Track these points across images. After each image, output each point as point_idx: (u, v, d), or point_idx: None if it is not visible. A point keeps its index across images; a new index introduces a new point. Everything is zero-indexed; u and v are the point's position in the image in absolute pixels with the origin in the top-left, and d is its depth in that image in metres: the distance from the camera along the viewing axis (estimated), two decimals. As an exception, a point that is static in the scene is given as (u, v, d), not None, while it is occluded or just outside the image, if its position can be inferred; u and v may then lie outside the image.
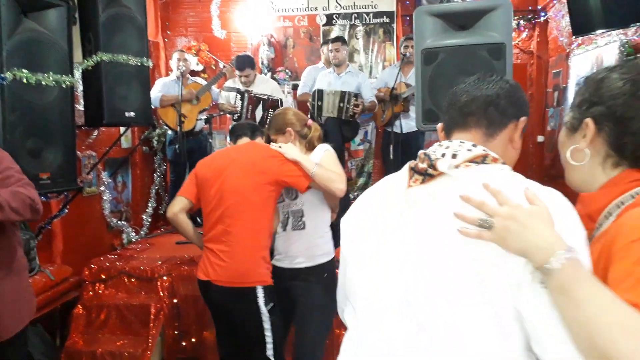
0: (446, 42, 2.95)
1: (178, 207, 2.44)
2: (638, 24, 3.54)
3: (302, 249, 2.42)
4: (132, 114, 3.73)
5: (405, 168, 1.08)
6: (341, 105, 4.51)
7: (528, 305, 0.85)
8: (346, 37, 5.56)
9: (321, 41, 5.64)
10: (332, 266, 2.48)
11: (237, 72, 4.72)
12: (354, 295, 1.09)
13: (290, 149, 2.33)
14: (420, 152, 1.07)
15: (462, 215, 0.92)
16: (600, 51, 4.30)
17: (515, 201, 0.90)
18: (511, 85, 1.11)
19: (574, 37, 4.26)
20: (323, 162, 2.30)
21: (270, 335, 2.27)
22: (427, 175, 1.01)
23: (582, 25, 3.80)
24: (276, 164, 2.27)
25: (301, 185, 2.25)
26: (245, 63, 4.67)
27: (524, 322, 0.86)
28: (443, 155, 1.02)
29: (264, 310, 2.25)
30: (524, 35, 5.90)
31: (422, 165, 1.02)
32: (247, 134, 2.61)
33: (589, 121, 0.99)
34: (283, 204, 2.47)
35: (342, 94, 4.52)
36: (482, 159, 1.01)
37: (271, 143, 2.42)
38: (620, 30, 4.00)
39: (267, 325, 2.26)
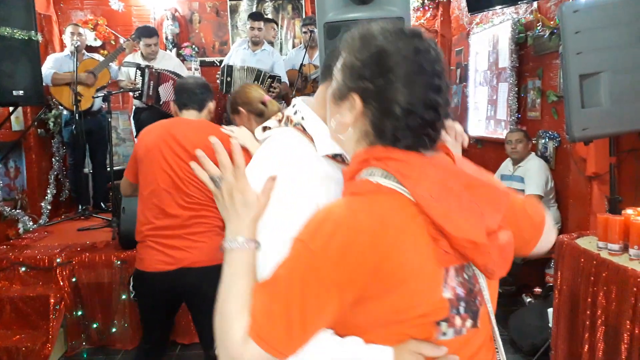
0: (347, 16, 2.97)
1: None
2: (526, 1, 3.77)
3: None
4: (21, 92, 3.45)
5: None
6: (255, 83, 4.41)
7: None
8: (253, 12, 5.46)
9: (229, 16, 5.49)
10: None
11: (143, 41, 4.47)
12: None
13: (241, 133, 2.13)
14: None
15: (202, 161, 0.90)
16: (495, 29, 4.53)
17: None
18: None
19: (469, 14, 4.45)
20: None
21: None
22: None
23: (477, 2, 3.99)
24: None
25: None
26: (153, 31, 4.46)
27: None
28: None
29: None
30: (428, 14, 6.09)
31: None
32: (196, 107, 2.27)
33: (355, 96, 0.85)
34: None
35: (259, 72, 4.39)
36: (285, 120, 1.05)
37: (222, 126, 2.23)
38: (513, 9, 4.24)
39: None
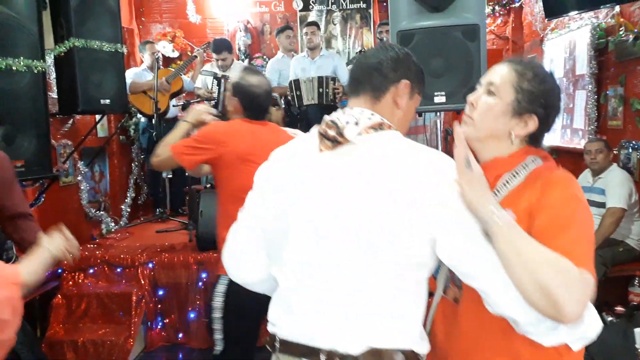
0: (421, 24, 2.97)
1: None
2: (608, 5, 3.61)
3: None
4: (108, 101, 3.69)
5: (314, 133, 1.17)
6: (320, 90, 4.50)
7: (456, 251, 1.02)
8: (323, 23, 5.56)
9: (299, 27, 5.62)
10: None
11: (214, 56, 4.67)
12: (276, 248, 1.17)
13: (295, 132, 2.30)
14: (327, 118, 1.15)
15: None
16: (572, 35, 4.37)
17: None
18: (397, 52, 1.21)
19: (546, 19, 4.32)
20: None
21: None
22: (336, 142, 1.11)
23: (554, 8, 3.86)
24: None
25: None
26: (223, 46, 4.63)
27: (451, 265, 1.04)
28: (347, 122, 1.11)
29: None
30: (499, 21, 5.97)
31: (332, 133, 1.11)
32: (266, 113, 2.32)
33: (535, 118, 1.18)
34: None
35: (320, 79, 4.51)
36: (379, 126, 1.12)
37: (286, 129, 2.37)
38: (592, 14, 4.07)
39: None
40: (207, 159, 2.13)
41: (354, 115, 1.13)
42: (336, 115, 1.15)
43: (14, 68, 2.82)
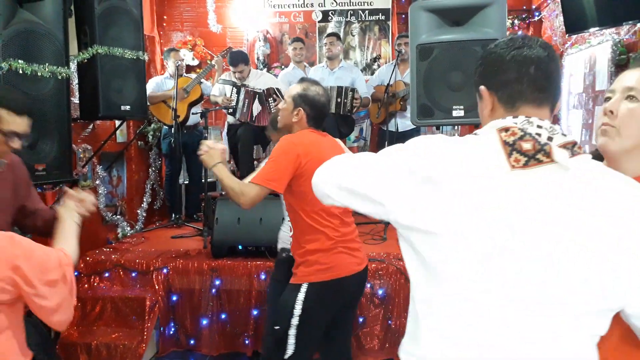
0: (441, 38, 2.99)
1: None
2: (630, 22, 3.58)
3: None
4: (128, 107, 3.74)
5: (493, 137, 0.98)
6: (339, 100, 4.51)
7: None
8: (342, 34, 5.59)
9: (317, 38, 5.66)
10: None
11: (230, 68, 4.72)
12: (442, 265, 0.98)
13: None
14: (511, 123, 0.98)
15: None
16: (593, 50, 4.33)
17: None
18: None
19: (567, 35, 4.29)
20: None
21: None
22: (533, 159, 0.93)
23: (575, 24, 3.84)
24: None
25: None
26: (239, 59, 4.66)
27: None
28: (539, 135, 0.95)
29: None
30: (518, 34, 5.94)
31: (527, 147, 0.94)
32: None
33: None
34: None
35: (339, 88, 4.52)
36: (572, 146, 0.94)
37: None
38: (613, 30, 4.04)
39: None
40: (293, 173, 2.11)
41: (544, 128, 0.96)
42: (521, 123, 0.97)
43: (39, 74, 2.88)
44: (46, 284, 1.38)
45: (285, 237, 2.63)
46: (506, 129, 0.97)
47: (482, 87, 1.08)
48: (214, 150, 2.18)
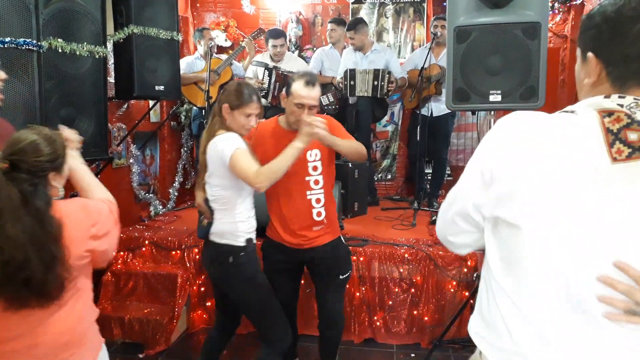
0: (480, 20, 2.90)
1: None
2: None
3: None
4: (162, 87, 3.78)
5: (594, 120, 0.86)
6: (375, 83, 4.45)
7: None
8: (375, 16, 5.50)
9: (350, 19, 5.58)
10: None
11: (270, 42, 4.70)
12: (522, 264, 0.94)
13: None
14: (616, 105, 0.87)
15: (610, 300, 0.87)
16: None
17: None
18: None
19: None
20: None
21: None
22: (638, 151, 0.83)
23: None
24: None
25: None
26: (280, 32, 4.74)
27: None
28: None
29: None
30: (558, 18, 5.73)
31: (634, 137, 0.83)
32: None
33: None
34: None
35: (376, 71, 4.45)
36: None
37: None
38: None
39: None
40: None
41: None
42: (627, 107, 0.86)
43: (77, 53, 2.93)
44: (105, 234, 1.51)
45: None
46: (609, 113, 0.85)
47: (590, 54, 0.93)
48: (303, 130, 2.14)
